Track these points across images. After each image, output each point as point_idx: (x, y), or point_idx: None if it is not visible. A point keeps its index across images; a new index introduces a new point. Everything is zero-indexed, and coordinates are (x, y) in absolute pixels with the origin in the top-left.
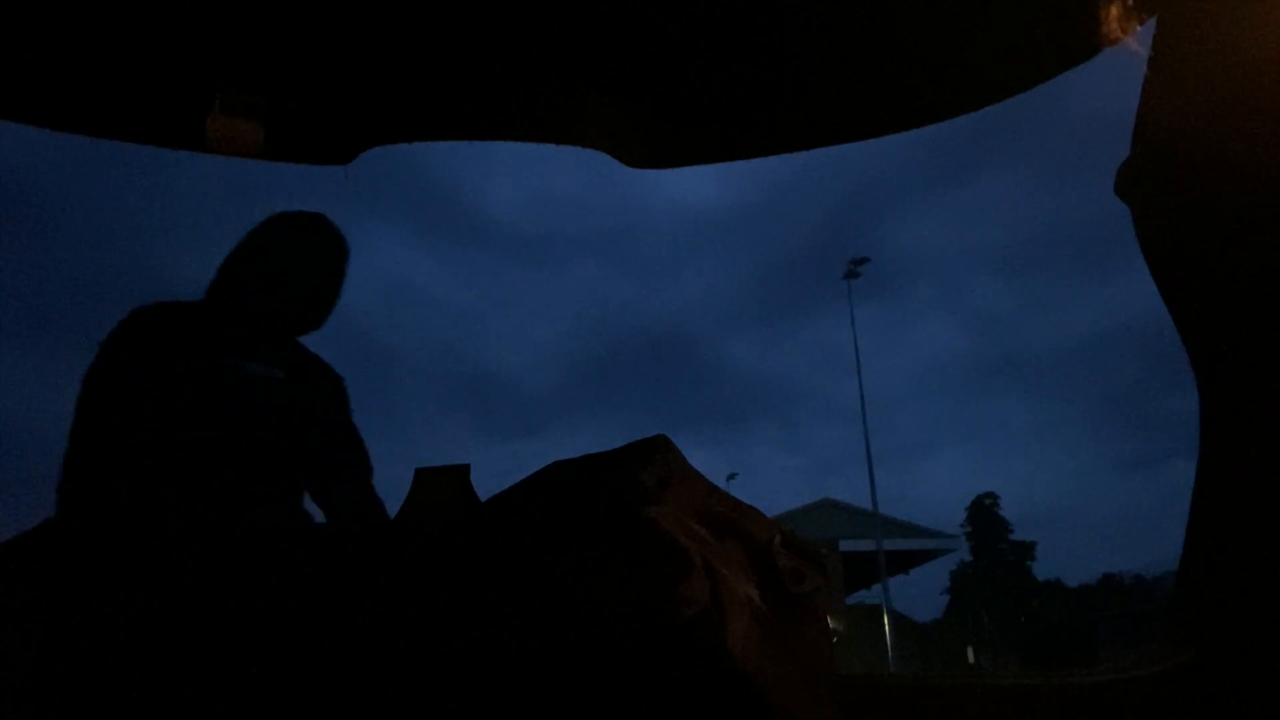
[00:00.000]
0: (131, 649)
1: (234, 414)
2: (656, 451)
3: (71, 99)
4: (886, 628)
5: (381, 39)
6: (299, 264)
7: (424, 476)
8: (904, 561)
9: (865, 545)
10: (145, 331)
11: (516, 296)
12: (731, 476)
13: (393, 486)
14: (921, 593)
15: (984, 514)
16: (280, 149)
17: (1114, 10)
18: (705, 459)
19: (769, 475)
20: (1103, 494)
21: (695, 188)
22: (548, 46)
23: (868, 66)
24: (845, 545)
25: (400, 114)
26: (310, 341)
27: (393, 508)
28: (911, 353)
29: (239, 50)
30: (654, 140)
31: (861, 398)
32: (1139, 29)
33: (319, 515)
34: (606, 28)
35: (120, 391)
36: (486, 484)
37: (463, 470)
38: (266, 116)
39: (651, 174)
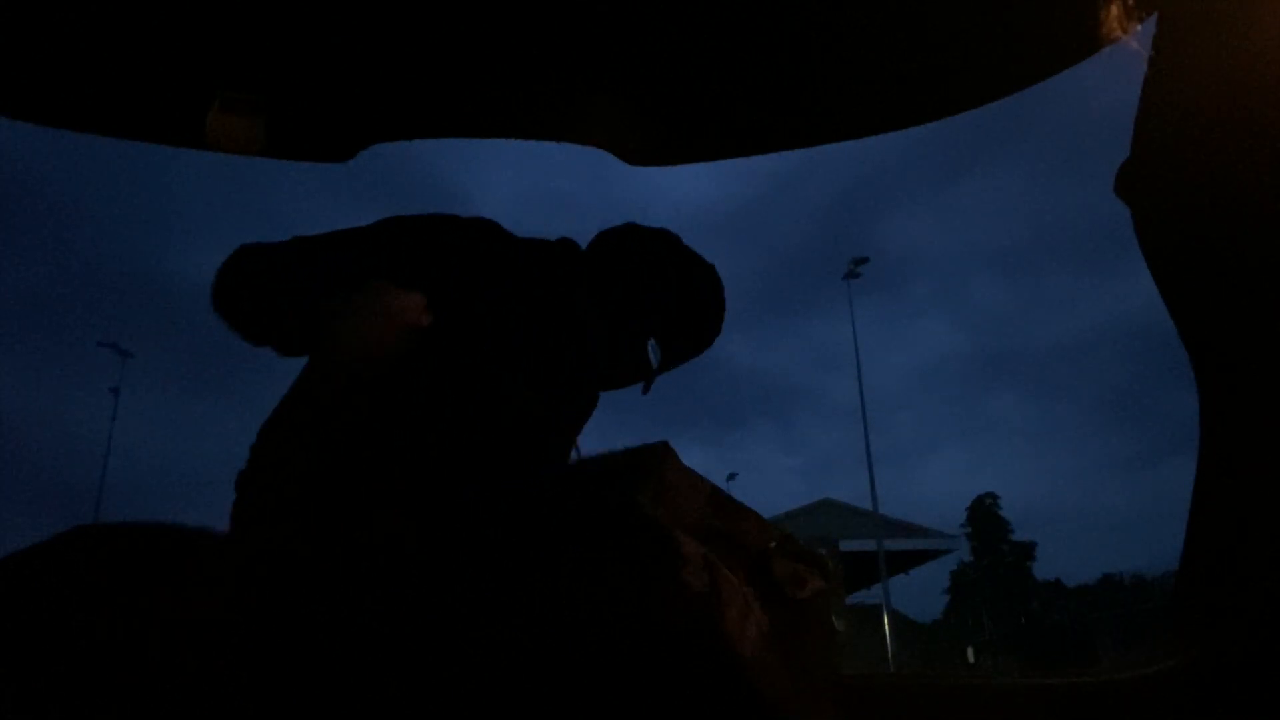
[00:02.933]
0: (136, 652)
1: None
2: (655, 459)
3: (72, 96)
4: (886, 628)
5: (381, 37)
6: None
7: None
8: (904, 561)
9: (865, 545)
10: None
11: None
12: (731, 477)
13: None
14: (921, 593)
15: (984, 514)
16: (280, 146)
17: (1114, 9)
18: (704, 459)
19: (769, 475)
20: (1103, 494)
21: (693, 185)
22: (548, 44)
23: (867, 64)
24: (845, 545)
25: (400, 111)
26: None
27: None
28: (910, 351)
29: (239, 47)
30: (654, 137)
31: (861, 398)
32: (1139, 28)
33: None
34: (606, 25)
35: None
36: None
37: None
38: (267, 114)
39: (649, 171)
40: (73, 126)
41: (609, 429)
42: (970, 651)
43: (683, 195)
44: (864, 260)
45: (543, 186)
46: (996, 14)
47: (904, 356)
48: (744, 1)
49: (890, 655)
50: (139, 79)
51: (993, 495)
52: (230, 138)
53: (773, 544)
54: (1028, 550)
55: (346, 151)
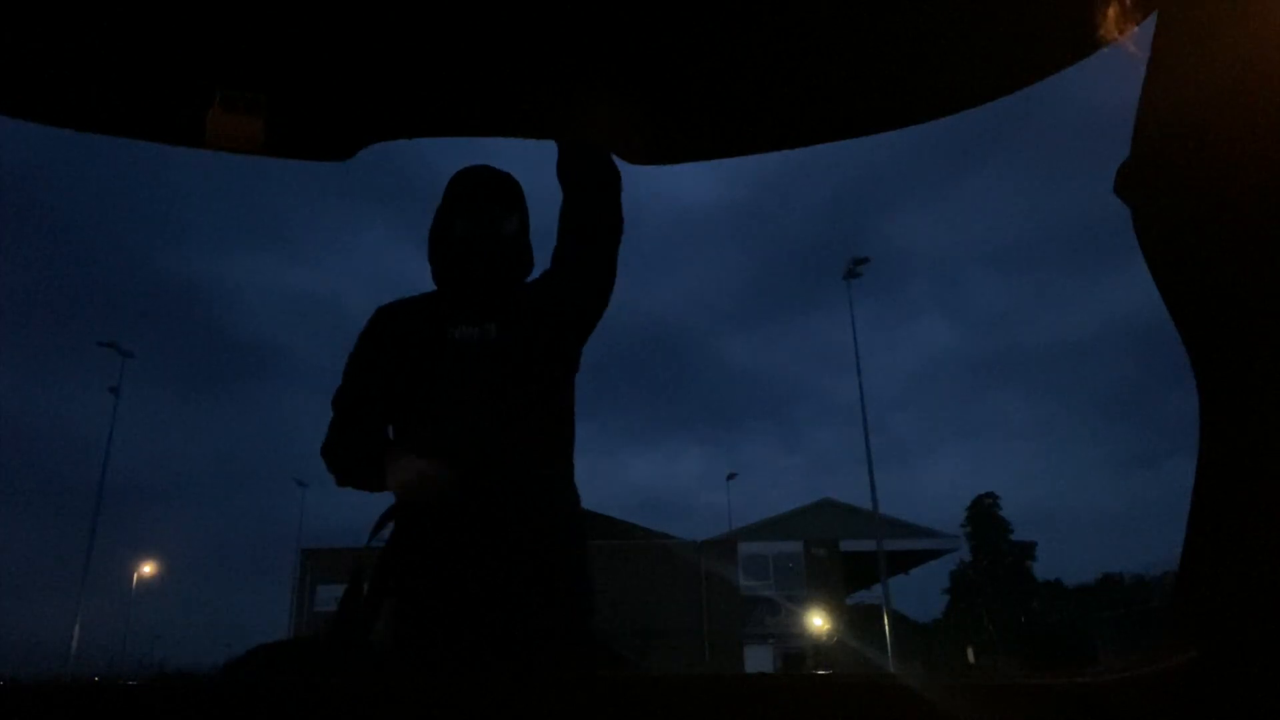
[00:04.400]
0: None
1: (444, 381)
2: None
3: (70, 94)
4: (886, 628)
5: (382, 34)
6: (473, 220)
7: None
8: (904, 561)
9: (865, 545)
10: (379, 319)
11: None
12: (731, 476)
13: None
14: (921, 593)
15: (984, 514)
16: (280, 145)
17: (1113, 8)
18: (703, 459)
19: (769, 475)
20: (1103, 494)
21: (693, 185)
22: (547, 44)
23: (867, 63)
24: (845, 545)
25: (400, 110)
26: (299, 330)
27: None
28: (911, 351)
29: (239, 45)
30: (655, 137)
31: (861, 398)
32: (1138, 29)
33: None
34: (606, 25)
35: (364, 377)
36: None
37: None
38: (266, 112)
39: (647, 171)
40: (72, 125)
41: (606, 428)
42: (970, 651)
43: (683, 195)
44: (864, 260)
45: (543, 186)
46: (996, 11)
47: (904, 356)
48: (744, 1)
49: (890, 655)
50: (138, 77)
51: (993, 495)
52: (230, 136)
53: None
54: (1028, 550)
55: (346, 150)
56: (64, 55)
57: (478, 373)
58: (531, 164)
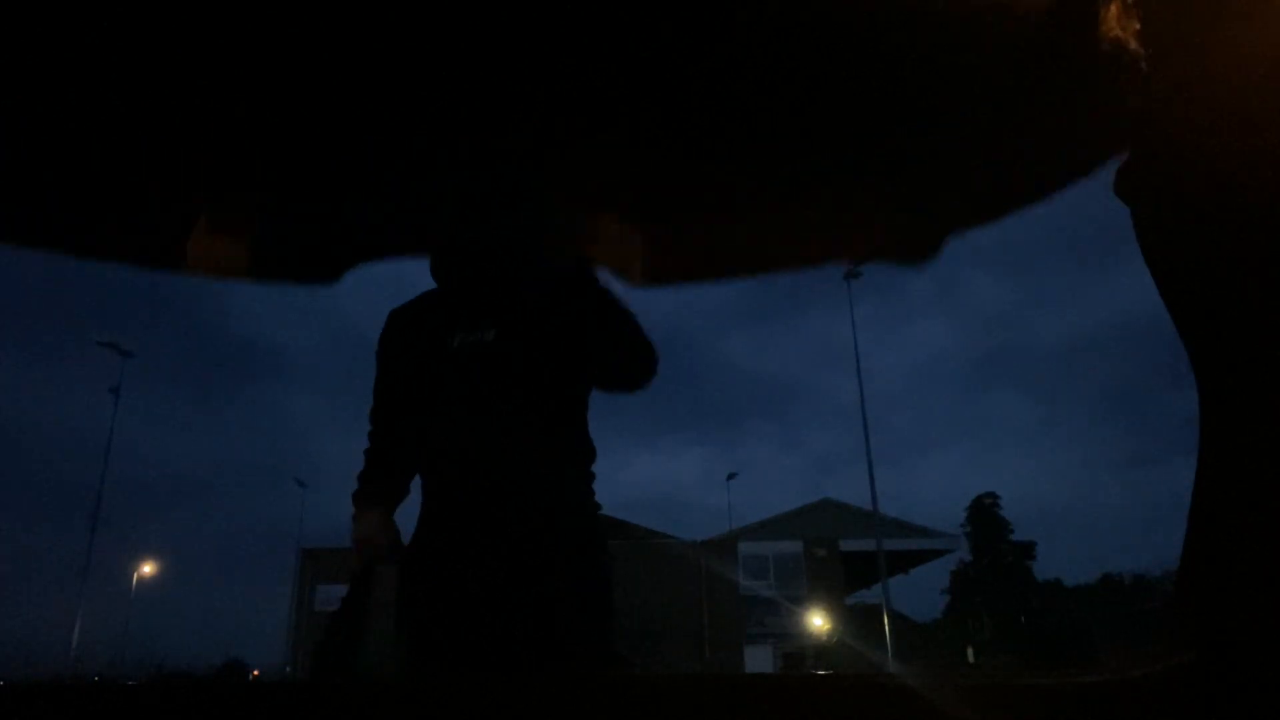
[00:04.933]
0: None
1: (444, 388)
2: None
3: (58, 222)
4: (886, 628)
5: (366, 163)
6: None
7: None
8: (904, 561)
9: (865, 545)
10: (390, 327)
11: None
12: (731, 476)
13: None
14: (921, 593)
15: (984, 514)
16: (265, 269)
17: (1113, 9)
18: (703, 459)
19: (769, 475)
20: (1103, 494)
21: None
22: (541, 167)
23: (866, 194)
24: (845, 545)
25: (388, 232)
26: (299, 330)
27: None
28: (909, 350)
29: (224, 173)
30: (654, 259)
31: (861, 398)
32: (1138, 27)
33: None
34: (602, 149)
35: (380, 387)
36: None
37: None
38: (252, 237)
39: None
40: (62, 249)
41: (606, 428)
42: (970, 651)
43: None
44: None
45: None
46: (993, 141)
47: (904, 356)
48: (742, 136)
49: (890, 655)
50: (121, 204)
51: (993, 495)
52: (214, 262)
53: None
54: (1028, 550)
55: (332, 273)
56: (55, 184)
57: (474, 379)
58: None
